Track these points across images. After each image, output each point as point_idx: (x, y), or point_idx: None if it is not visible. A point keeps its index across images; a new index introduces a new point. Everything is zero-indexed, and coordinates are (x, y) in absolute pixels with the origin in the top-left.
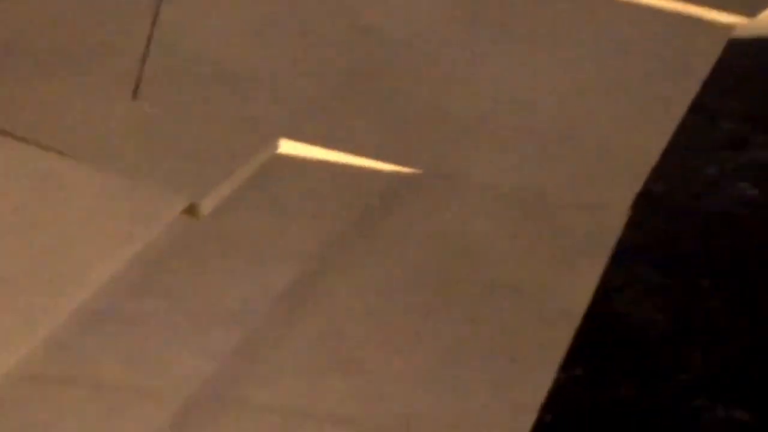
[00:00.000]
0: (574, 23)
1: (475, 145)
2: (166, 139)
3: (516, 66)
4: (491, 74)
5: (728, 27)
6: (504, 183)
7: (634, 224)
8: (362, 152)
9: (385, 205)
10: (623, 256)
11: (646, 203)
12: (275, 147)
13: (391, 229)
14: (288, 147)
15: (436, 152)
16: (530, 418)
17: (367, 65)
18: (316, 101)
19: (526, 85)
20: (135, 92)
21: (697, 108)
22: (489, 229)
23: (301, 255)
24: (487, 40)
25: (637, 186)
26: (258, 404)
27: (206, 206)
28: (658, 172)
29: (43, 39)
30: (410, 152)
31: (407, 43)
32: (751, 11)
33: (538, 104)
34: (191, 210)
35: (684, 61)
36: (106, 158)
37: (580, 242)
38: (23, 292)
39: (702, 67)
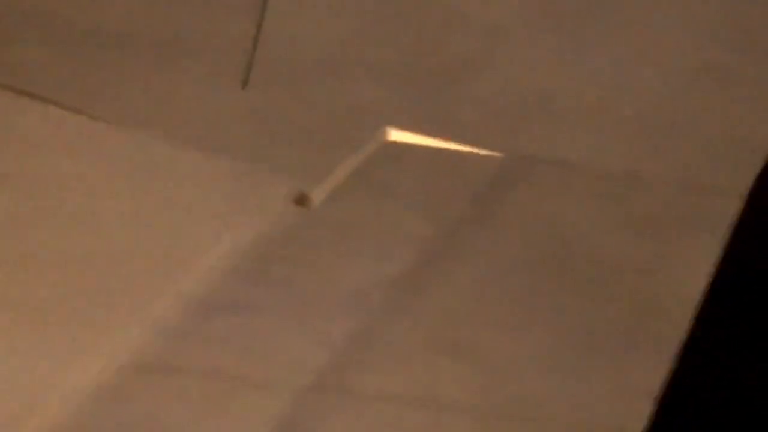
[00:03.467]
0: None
1: (582, 131)
2: (276, 128)
3: (619, 54)
4: (595, 61)
5: None
6: (611, 167)
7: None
8: (469, 139)
9: (495, 190)
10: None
11: None
12: (384, 135)
13: (502, 214)
14: (395, 135)
15: (541, 138)
16: (648, 403)
17: (467, 53)
18: (421, 89)
19: (631, 72)
20: (245, 81)
21: None
22: (597, 213)
23: (414, 242)
24: (588, 29)
25: (750, 171)
26: (372, 393)
27: (318, 196)
28: None
29: (153, 30)
30: (516, 138)
31: (506, 30)
32: None
33: (644, 91)
34: (302, 200)
35: None
36: (217, 147)
37: (690, 224)
38: (135, 274)
39: None
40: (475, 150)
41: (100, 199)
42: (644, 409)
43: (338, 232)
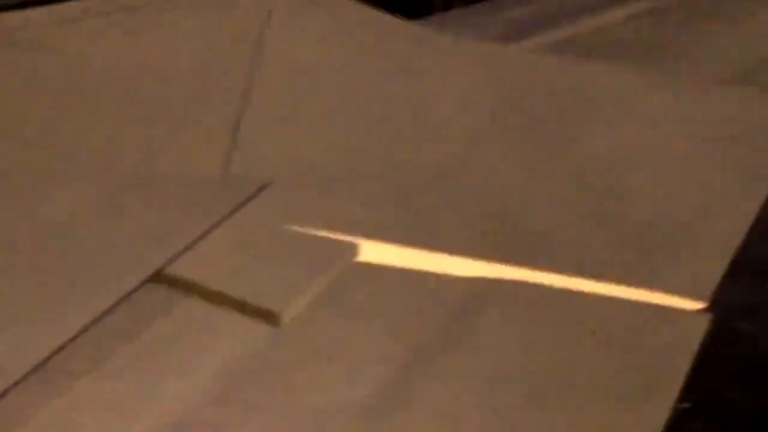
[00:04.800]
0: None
1: (561, 239)
2: (249, 249)
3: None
4: (569, 163)
5: None
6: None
7: None
8: (444, 252)
9: (466, 310)
10: None
11: None
12: (356, 253)
13: (474, 335)
14: (370, 249)
15: (520, 248)
16: None
17: (444, 161)
18: (399, 201)
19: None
20: None
21: None
22: (574, 333)
23: (384, 363)
24: (560, 134)
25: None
26: None
27: (287, 314)
28: None
29: (126, 158)
30: (493, 249)
31: (475, 138)
32: None
33: (628, 187)
34: (271, 319)
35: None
36: None
37: (663, 346)
38: None
39: None
40: (449, 264)
41: None
42: None
43: (306, 352)
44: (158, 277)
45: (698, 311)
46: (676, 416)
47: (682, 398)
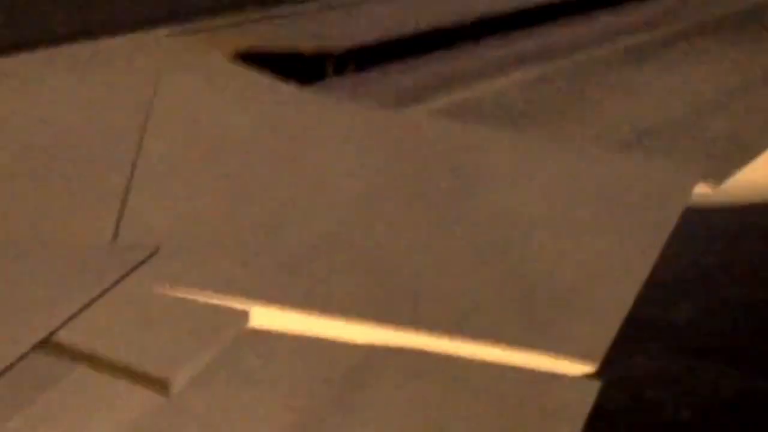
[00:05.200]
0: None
1: (443, 303)
2: (139, 315)
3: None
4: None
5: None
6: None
7: None
8: (335, 317)
9: (359, 376)
10: None
11: None
12: (246, 319)
13: (371, 400)
14: (260, 315)
15: (410, 313)
16: None
17: (335, 227)
18: (288, 264)
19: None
20: None
21: None
22: (464, 400)
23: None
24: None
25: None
26: None
27: (178, 381)
28: None
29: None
30: (385, 315)
31: (368, 204)
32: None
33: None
34: (162, 386)
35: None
36: None
37: (553, 414)
38: None
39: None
40: (343, 331)
41: None
42: None
43: (198, 421)
44: (46, 346)
45: (587, 376)
46: None
47: None
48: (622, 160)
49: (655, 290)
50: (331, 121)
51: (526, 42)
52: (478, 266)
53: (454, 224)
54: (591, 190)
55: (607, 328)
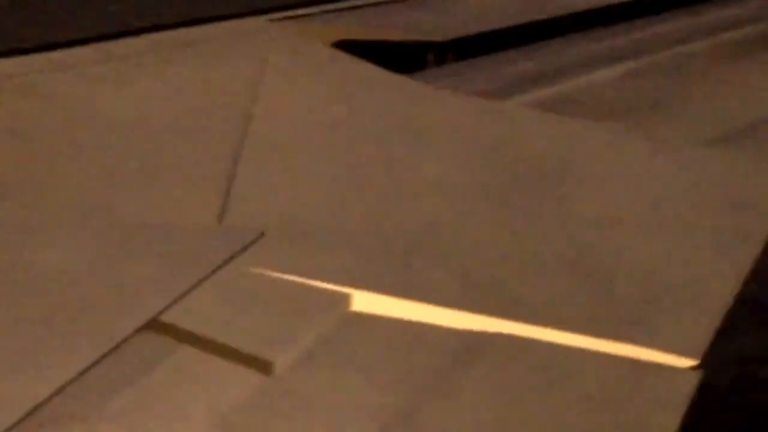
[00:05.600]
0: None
1: (546, 292)
2: (242, 296)
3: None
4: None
5: None
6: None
7: None
8: (435, 306)
9: (462, 361)
10: None
11: None
12: (348, 303)
13: (470, 386)
14: (362, 300)
15: (508, 301)
16: None
17: (435, 218)
18: (391, 253)
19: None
20: None
21: None
22: (561, 390)
23: (375, 414)
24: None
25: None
26: None
27: (281, 363)
28: None
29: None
30: (482, 305)
31: (465, 196)
32: None
33: (615, 253)
34: (266, 367)
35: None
36: None
37: (651, 403)
38: None
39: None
40: (443, 316)
41: None
42: None
43: (299, 403)
44: (153, 326)
45: (689, 368)
46: None
47: None
48: (715, 159)
49: None
50: (431, 111)
51: (623, 36)
52: (573, 261)
53: (548, 220)
54: (687, 187)
55: (707, 322)
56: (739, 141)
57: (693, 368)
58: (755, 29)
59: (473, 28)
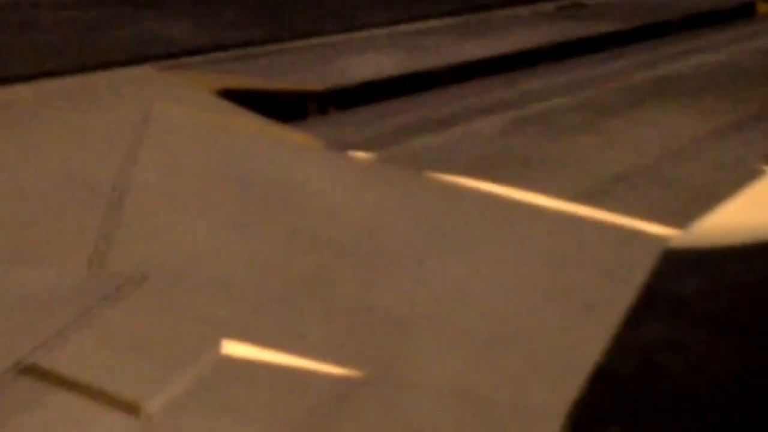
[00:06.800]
0: (516, 232)
1: (420, 346)
2: (115, 341)
3: (460, 272)
4: (434, 278)
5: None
6: (447, 384)
7: None
8: (308, 353)
9: (335, 407)
10: None
11: None
12: (219, 348)
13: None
14: (236, 347)
15: (382, 354)
16: None
17: (315, 269)
18: (266, 302)
19: (467, 289)
20: None
21: None
22: (439, 429)
23: None
24: (427, 246)
25: (572, 391)
26: None
27: (149, 406)
28: None
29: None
30: (357, 354)
31: (353, 246)
32: (683, 223)
33: (478, 308)
34: (134, 410)
35: (617, 270)
36: None
37: None
38: None
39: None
40: (316, 365)
41: None
42: None
43: None
44: (24, 369)
45: None
46: None
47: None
48: (589, 220)
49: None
50: (313, 165)
51: (502, 89)
52: None
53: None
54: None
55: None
56: (616, 190)
57: None
58: (630, 83)
59: (355, 78)
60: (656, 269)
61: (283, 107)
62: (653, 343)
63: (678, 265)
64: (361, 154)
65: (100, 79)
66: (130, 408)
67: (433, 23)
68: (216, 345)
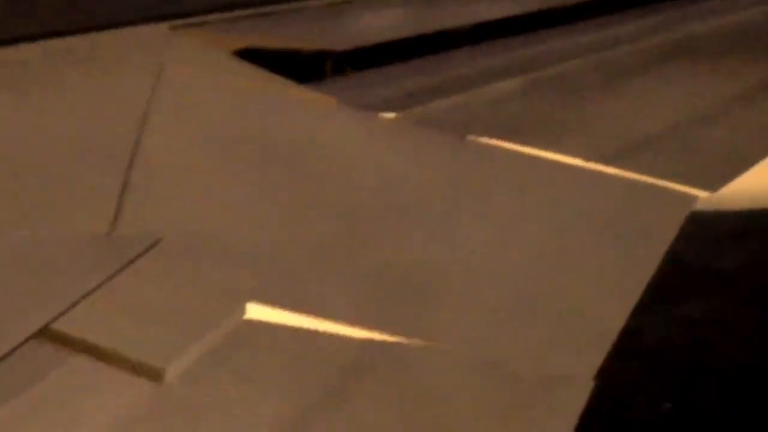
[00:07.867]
0: (542, 193)
1: (444, 310)
2: (135, 307)
3: (485, 234)
4: (461, 243)
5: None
6: (472, 350)
7: None
8: (332, 317)
9: (357, 371)
10: None
11: None
12: (243, 312)
13: (364, 397)
14: (257, 312)
15: (406, 318)
16: None
17: (338, 232)
18: (287, 266)
19: (493, 252)
20: None
21: None
22: (462, 396)
23: (269, 425)
24: (453, 208)
25: (600, 356)
26: None
27: (172, 372)
28: None
29: None
30: (381, 318)
31: (379, 211)
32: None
33: (504, 271)
34: (156, 376)
35: (646, 231)
36: None
37: (544, 413)
38: None
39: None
40: (339, 329)
41: None
42: None
43: (191, 412)
44: (44, 334)
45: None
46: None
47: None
48: (615, 180)
49: None
50: (334, 124)
51: (519, 50)
52: None
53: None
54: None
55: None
56: (641, 153)
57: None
58: (649, 44)
59: (372, 38)
60: (689, 233)
61: (299, 67)
62: (700, 320)
63: (714, 234)
64: (384, 115)
65: (112, 38)
66: (153, 373)
67: None
68: (239, 309)
